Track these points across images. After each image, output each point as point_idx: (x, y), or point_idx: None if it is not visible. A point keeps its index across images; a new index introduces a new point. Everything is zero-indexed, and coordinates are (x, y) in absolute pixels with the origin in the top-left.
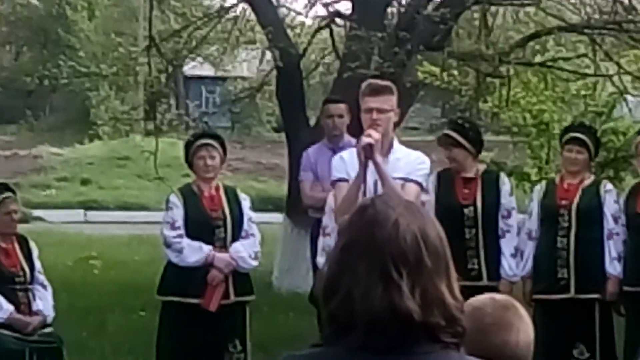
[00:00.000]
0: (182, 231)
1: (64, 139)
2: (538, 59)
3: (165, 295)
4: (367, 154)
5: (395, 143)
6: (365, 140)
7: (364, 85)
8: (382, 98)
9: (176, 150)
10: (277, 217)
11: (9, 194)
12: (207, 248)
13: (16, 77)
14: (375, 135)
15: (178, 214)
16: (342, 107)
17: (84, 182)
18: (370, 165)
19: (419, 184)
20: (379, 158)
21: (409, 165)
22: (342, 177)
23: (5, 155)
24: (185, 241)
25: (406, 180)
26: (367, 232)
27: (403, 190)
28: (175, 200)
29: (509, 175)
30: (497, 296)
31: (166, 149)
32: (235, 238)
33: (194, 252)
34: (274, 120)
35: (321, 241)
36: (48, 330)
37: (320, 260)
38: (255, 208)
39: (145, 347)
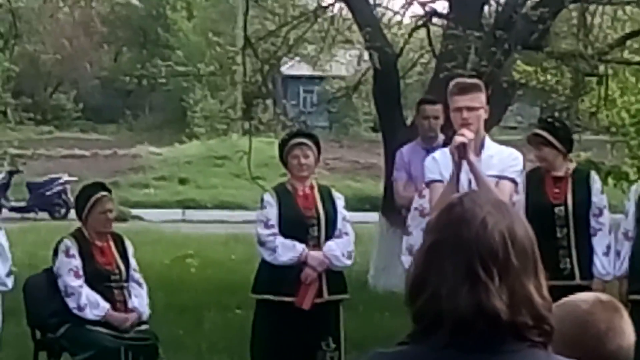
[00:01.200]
0: (276, 230)
1: (163, 138)
2: (637, 58)
3: (260, 294)
4: (460, 153)
5: (487, 140)
6: (458, 139)
7: (451, 84)
8: (470, 96)
9: (273, 149)
10: (374, 216)
11: (104, 193)
12: (300, 246)
13: (115, 77)
14: (469, 134)
15: (272, 212)
16: (438, 109)
17: (182, 181)
18: (464, 164)
19: (513, 181)
20: (472, 157)
21: (502, 162)
22: (436, 178)
23: (104, 155)
24: (279, 240)
25: (500, 177)
26: (455, 230)
27: (497, 188)
28: (270, 198)
29: (607, 174)
30: (602, 297)
31: (263, 149)
32: (328, 237)
33: (288, 250)
34: (371, 119)
35: (405, 240)
36: (144, 327)
37: (404, 259)
38: (351, 207)
39: (240, 345)
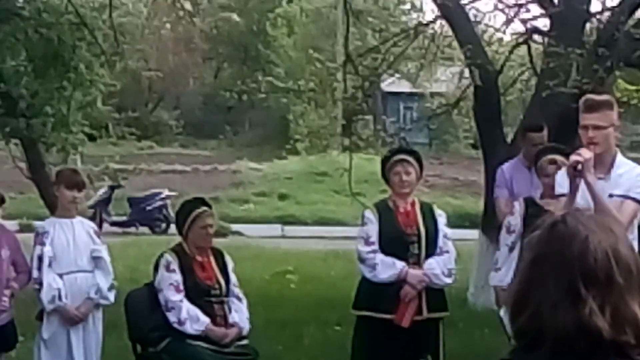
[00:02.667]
0: (376, 247)
1: (263, 154)
2: None
3: (360, 310)
4: (575, 172)
5: (619, 158)
6: (573, 158)
7: (581, 101)
8: (598, 114)
9: (373, 166)
10: (473, 233)
11: (205, 208)
12: (400, 264)
13: (216, 93)
14: (586, 154)
15: (373, 229)
16: (543, 135)
17: (282, 197)
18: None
19: (637, 201)
20: (590, 177)
21: (629, 181)
22: (564, 192)
23: (205, 170)
24: (379, 257)
25: (625, 197)
26: (557, 247)
27: (621, 207)
28: (371, 215)
29: None
30: None
31: (363, 165)
32: (429, 254)
33: (388, 268)
34: (471, 136)
35: (495, 256)
36: (244, 342)
37: (491, 274)
38: (451, 224)
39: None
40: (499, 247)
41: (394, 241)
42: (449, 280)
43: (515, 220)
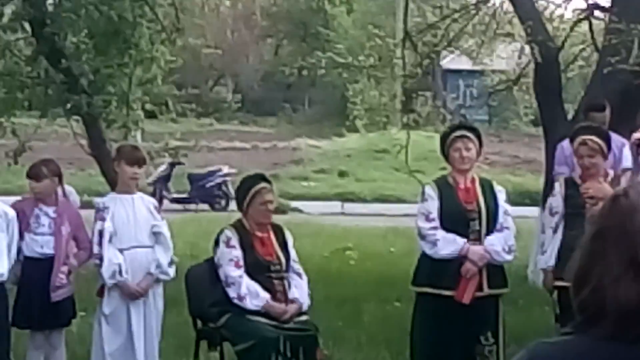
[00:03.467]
0: (436, 223)
1: (322, 131)
2: None
3: (420, 286)
4: (637, 149)
5: None
6: (635, 136)
7: None
8: None
9: (432, 143)
10: (533, 211)
11: (265, 184)
12: (461, 240)
13: (275, 70)
14: None
15: (433, 205)
16: (606, 115)
17: (342, 174)
18: None
19: None
20: None
21: None
22: (629, 167)
23: (264, 147)
24: (440, 233)
25: None
26: (619, 221)
27: None
28: (431, 191)
29: None
30: None
31: (423, 142)
32: (489, 231)
33: (448, 244)
34: (532, 113)
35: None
36: (303, 318)
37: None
38: (511, 202)
39: (400, 337)
40: (544, 229)
41: (455, 217)
42: (509, 257)
43: (556, 201)
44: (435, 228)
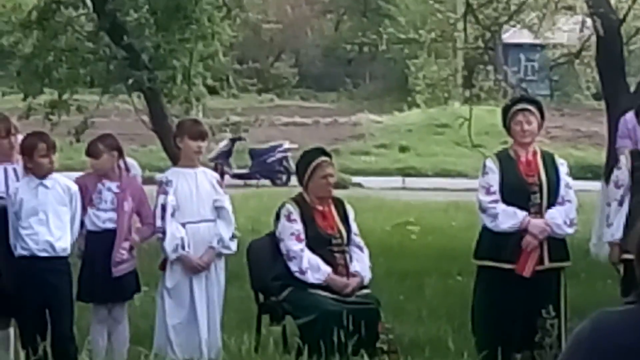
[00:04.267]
0: (497, 196)
1: (383, 106)
2: None
3: (481, 260)
4: None
5: None
6: None
7: None
8: None
9: (494, 117)
10: (596, 185)
11: (325, 158)
12: (521, 214)
13: (336, 45)
14: None
15: (494, 179)
16: None
17: (403, 149)
18: None
19: None
20: None
21: None
22: None
23: (325, 123)
24: (500, 206)
25: None
26: None
27: None
28: (492, 165)
29: None
30: None
31: (484, 116)
32: (551, 204)
33: (509, 217)
34: (593, 87)
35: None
36: (365, 291)
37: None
38: (573, 176)
39: (461, 311)
40: (609, 202)
41: (516, 191)
42: (570, 230)
43: (622, 174)
44: (495, 201)
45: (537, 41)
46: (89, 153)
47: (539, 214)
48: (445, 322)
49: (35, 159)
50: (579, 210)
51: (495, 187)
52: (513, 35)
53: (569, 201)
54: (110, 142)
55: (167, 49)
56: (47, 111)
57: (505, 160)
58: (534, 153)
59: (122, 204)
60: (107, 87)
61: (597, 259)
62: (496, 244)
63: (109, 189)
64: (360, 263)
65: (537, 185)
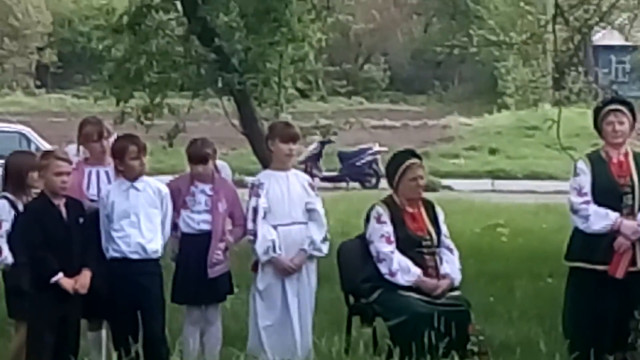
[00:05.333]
0: (589, 197)
1: (472, 108)
2: None
3: (573, 261)
4: None
5: None
6: None
7: None
8: None
9: (584, 119)
10: None
11: (415, 159)
12: (613, 215)
13: (425, 48)
14: None
15: (585, 180)
16: None
17: (492, 151)
18: None
19: None
20: None
21: None
22: None
23: (414, 125)
24: (592, 208)
25: None
26: None
27: None
28: (583, 166)
29: None
30: None
31: (575, 119)
32: None
33: (601, 218)
34: None
35: None
36: (455, 293)
37: None
38: None
39: (552, 313)
40: None
41: (607, 192)
42: None
43: None
44: (587, 202)
45: (628, 42)
46: (199, 160)
47: (632, 215)
48: (536, 324)
49: (126, 161)
50: None
51: (587, 188)
52: (604, 37)
53: None
54: (213, 147)
55: (257, 51)
56: (139, 115)
57: (597, 162)
58: (626, 154)
59: (216, 206)
60: (197, 91)
61: None
62: (588, 245)
63: (203, 191)
64: (451, 265)
65: (629, 187)
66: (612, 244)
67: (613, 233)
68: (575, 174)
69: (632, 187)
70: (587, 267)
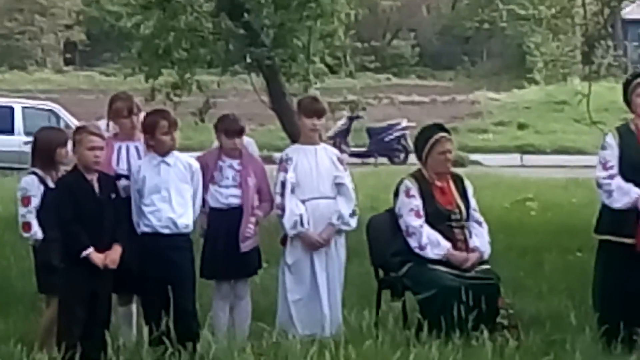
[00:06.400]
0: (614, 171)
1: (501, 84)
2: None
3: (601, 234)
4: None
5: None
6: None
7: None
8: None
9: (614, 94)
10: None
11: (443, 133)
12: (635, 192)
13: (453, 23)
14: None
15: (612, 154)
16: None
17: (521, 126)
18: None
19: None
20: None
21: None
22: None
23: (443, 101)
24: (615, 183)
25: None
26: None
27: None
28: (611, 140)
29: None
30: None
31: (604, 93)
32: None
33: (623, 195)
34: None
35: None
36: (485, 267)
37: None
38: None
39: (581, 287)
40: None
41: (635, 166)
42: None
43: None
44: (611, 177)
45: None
46: (237, 132)
47: None
48: (566, 298)
49: (157, 136)
50: None
51: (613, 162)
52: (633, 10)
53: None
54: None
55: (286, 27)
56: (168, 91)
57: (626, 135)
58: None
59: (246, 180)
60: (226, 67)
61: None
62: (616, 218)
63: (231, 166)
64: (480, 238)
65: None
66: (639, 218)
67: (637, 208)
68: (602, 147)
69: None
70: (616, 241)
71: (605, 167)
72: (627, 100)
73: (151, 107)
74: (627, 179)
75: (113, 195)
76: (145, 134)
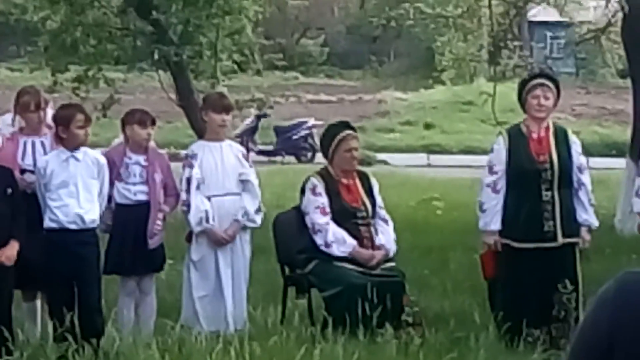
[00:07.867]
0: (498, 175)
1: (408, 83)
2: None
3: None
4: None
5: None
6: None
7: None
8: None
9: None
10: (620, 162)
11: (349, 131)
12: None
13: (361, 23)
14: None
15: (498, 157)
16: None
17: (427, 126)
18: None
19: None
20: None
21: None
22: None
23: (350, 100)
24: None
25: None
26: None
27: None
28: (500, 143)
29: None
30: None
31: (510, 94)
32: (562, 182)
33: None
34: (620, 62)
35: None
36: (390, 264)
37: (634, 200)
38: (598, 153)
39: (485, 286)
40: (639, 173)
41: (525, 168)
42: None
43: None
44: (497, 180)
45: (563, 19)
46: (141, 121)
47: (550, 190)
48: (470, 296)
49: (72, 129)
50: (603, 187)
51: (498, 167)
52: (539, 12)
53: (584, 184)
54: (151, 117)
55: (194, 24)
56: (73, 86)
57: (516, 137)
58: (547, 128)
59: (152, 176)
60: (133, 63)
61: (621, 235)
62: (507, 221)
63: (137, 163)
64: (385, 235)
65: (548, 163)
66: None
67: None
68: (491, 150)
69: (551, 163)
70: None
71: (491, 170)
72: (521, 101)
73: (55, 102)
74: (513, 182)
75: (9, 190)
76: (58, 126)
